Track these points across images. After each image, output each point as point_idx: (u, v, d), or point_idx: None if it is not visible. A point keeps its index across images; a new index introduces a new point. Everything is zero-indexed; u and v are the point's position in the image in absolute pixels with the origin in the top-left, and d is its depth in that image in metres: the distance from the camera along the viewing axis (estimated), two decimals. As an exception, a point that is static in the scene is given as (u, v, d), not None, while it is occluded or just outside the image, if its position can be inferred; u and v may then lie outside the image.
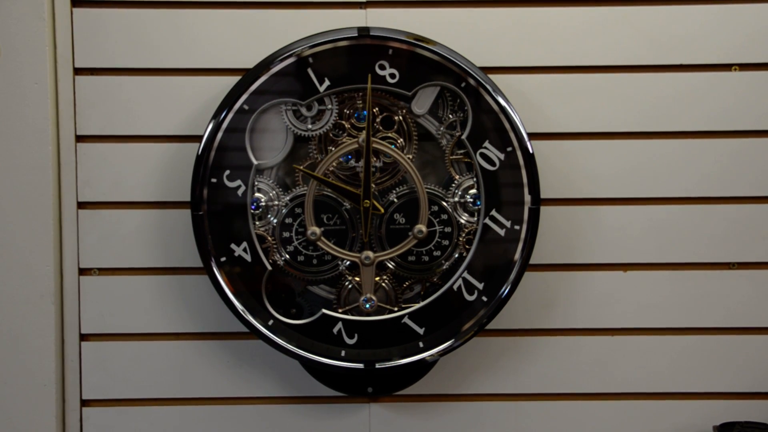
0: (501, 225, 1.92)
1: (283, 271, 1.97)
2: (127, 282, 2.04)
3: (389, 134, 1.95)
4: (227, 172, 1.91)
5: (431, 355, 1.94)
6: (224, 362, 2.06)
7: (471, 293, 1.94)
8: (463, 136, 1.92)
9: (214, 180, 1.91)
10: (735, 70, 2.02)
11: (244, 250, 1.93)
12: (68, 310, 2.03)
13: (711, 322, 2.07)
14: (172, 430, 2.07)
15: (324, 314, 1.94)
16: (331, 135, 1.95)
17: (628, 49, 2.02)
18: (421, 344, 1.94)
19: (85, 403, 2.07)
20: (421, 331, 1.94)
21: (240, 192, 1.92)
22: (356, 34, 1.88)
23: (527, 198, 1.91)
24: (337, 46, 1.88)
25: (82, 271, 2.04)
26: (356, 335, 1.94)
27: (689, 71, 2.02)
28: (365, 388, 2.02)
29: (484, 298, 1.93)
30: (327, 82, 1.90)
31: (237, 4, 1.99)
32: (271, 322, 1.94)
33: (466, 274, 1.93)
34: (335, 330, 1.94)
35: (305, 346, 1.94)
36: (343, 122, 1.94)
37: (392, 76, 1.90)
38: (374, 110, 1.94)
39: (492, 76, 1.94)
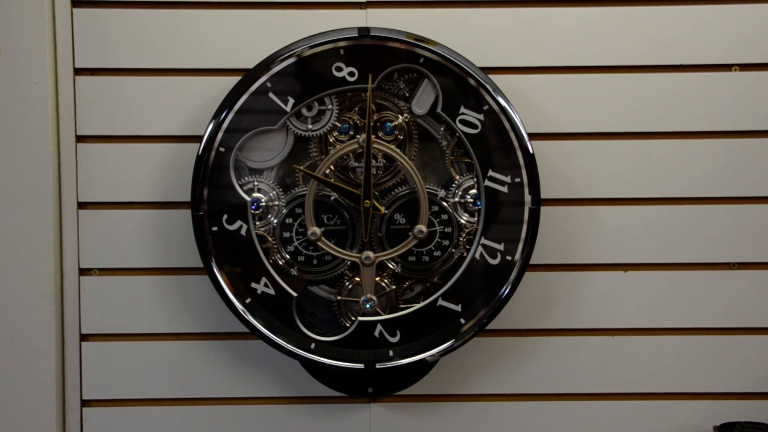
0: (502, 182, 1.91)
1: (284, 271, 1.97)
2: (127, 282, 2.04)
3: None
4: (225, 216, 1.91)
5: (431, 355, 1.94)
6: (224, 362, 2.06)
7: (494, 257, 1.93)
8: (438, 110, 1.91)
9: (215, 228, 1.91)
10: (735, 70, 2.02)
11: (265, 285, 1.93)
12: (68, 310, 2.03)
13: (711, 322, 2.07)
14: (173, 430, 2.07)
15: (361, 321, 1.94)
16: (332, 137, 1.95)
17: (628, 49, 2.02)
18: (462, 320, 1.94)
19: (85, 403, 2.07)
20: (458, 308, 1.94)
21: (243, 231, 1.92)
22: (356, 34, 1.88)
23: (527, 198, 1.91)
24: (336, 46, 1.88)
25: (83, 271, 2.04)
26: (398, 332, 1.94)
27: (689, 71, 2.02)
28: (365, 388, 2.02)
29: (508, 258, 1.92)
30: (291, 100, 1.90)
31: (237, 4, 1.99)
32: (313, 346, 1.93)
33: (483, 240, 1.93)
34: (376, 333, 1.94)
35: (351, 357, 1.93)
36: (330, 137, 1.95)
37: (351, 74, 1.90)
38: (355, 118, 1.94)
39: (492, 76, 1.94)
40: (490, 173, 1.91)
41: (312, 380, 2.02)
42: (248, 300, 1.93)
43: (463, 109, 1.90)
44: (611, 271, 2.06)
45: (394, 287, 1.97)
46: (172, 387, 2.06)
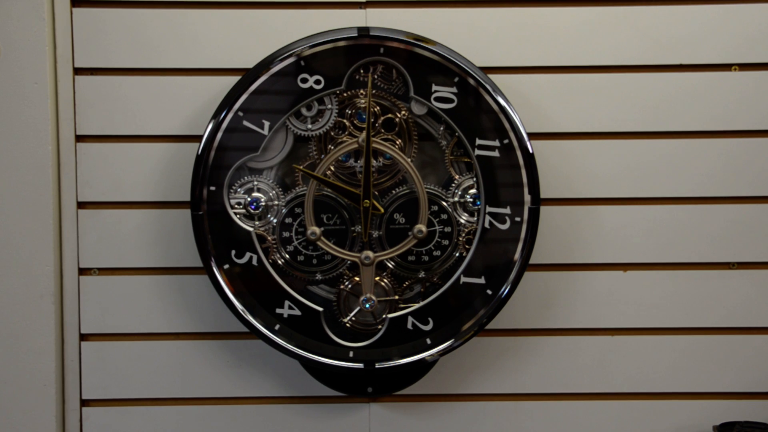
0: (491, 148, 1.91)
1: (284, 271, 1.97)
2: (127, 282, 2.04)
3: (389, 136, 1.95)
4: (233, 251, 1.92)
5: (431, 355, 1.94)
6: (224, 362, 2.06)
7: (503, 222, 1.93)
8: (411, 93, 1.90)
9: (227, 266, 1.91)
10: (735, 70, 2.02)
11: (290, 307, 1.93)
12: (68, 310, 2.04)
13: (711, 322, 2.07)
14: (172, 430, 2.07)
15: (391, 319, 1.94)
16: (332, 134, 1.94)
17: (628, 49, 2.02)
18: (489, 291, 1.93)
19: (85, 403, 2.07)
20: (482, 280, 1.94)
21: (254, 261, 1.92)
22: (356, 34, 1.88)
23: (527, 198, 1.91)
24: (336, 46, 1.88)
25: (82, 271, 2.04)
26: (430, 319, 1.94)
27: (689, 71, 2.02)
28: (365, 388, 2.02)
29: (517, 219, 1.92)
30: (267, 123, 1.90)
31: (237, 4, 1.99)
32: (351, 354, 1.94)
33: (489, 209, 1.92)
34: (409, 325, 1.94)
35: (391, 355, 1.93)
36: (344, 121, 1.94)
37: (317, 82, 1.90)
38: (375, 109, 1.94)
39: (492, 76, 1.94)
40: (478, 141, 1.91)
41: (312, 380, 2.02)
42: (277, 326, 1.93)
43: (434, 87, 1.90)
44: (611, 270, 2.06)
45: (396, 297, 1.97)
46: (171, 387, 2.06)
